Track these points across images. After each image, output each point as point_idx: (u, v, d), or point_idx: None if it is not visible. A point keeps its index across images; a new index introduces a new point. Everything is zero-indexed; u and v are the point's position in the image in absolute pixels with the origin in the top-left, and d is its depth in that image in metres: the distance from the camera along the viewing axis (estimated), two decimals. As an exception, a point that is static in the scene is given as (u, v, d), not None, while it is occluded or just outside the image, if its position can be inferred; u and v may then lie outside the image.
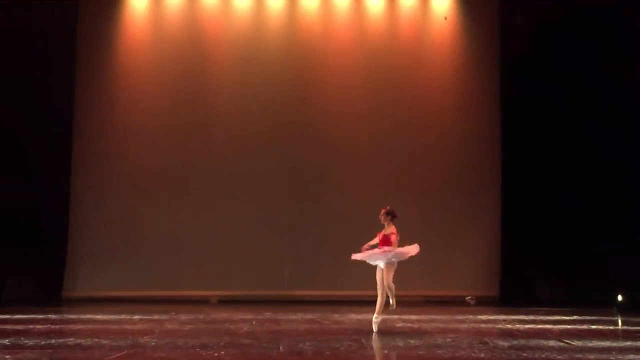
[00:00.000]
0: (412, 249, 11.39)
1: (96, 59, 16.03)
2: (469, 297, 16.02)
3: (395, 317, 12.94)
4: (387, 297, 11.48)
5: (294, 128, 16.27)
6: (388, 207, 11.59)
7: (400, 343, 10.46)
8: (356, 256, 11.55)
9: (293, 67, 16.37)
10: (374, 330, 11.43)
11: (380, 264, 11.44)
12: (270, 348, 10.03)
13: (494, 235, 16.21)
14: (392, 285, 11.43)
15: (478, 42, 16.57)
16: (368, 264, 11.63)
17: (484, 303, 15.66)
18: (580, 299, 14.92)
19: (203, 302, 15.48)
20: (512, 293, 15.79)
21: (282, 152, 16.21)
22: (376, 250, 11.41)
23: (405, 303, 14.85)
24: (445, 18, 16.54)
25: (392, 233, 11.40)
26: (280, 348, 10.04)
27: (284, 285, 15.97)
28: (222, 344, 10.28)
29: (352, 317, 13.32)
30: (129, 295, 15.56)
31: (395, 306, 11.49)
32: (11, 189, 14.83)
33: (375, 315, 11.51)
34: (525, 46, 16.12)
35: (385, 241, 11.37)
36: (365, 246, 11.52)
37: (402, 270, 15.63)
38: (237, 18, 16.46)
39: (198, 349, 9.88)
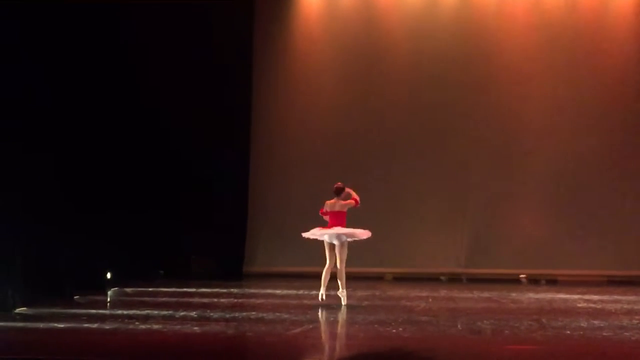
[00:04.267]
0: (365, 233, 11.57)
1: (272, 56, 16.33)
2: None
3: (576, 296, 12.56)
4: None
5: (470, 108, 15.98)
6: (340, 184, 11.75)
7: (583, 324, 10.11)
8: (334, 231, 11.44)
9: (467, 49, 16.03)
10: (344, 303, 11.34)
11: (336, 241, 11.43)
12: (448, 326, 9.98)
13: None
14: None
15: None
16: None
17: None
18: None
19: (378, 278, 15.58)
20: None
21: (458, 132, 15.98)
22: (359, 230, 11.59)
23: (586, 283, 14.44)
24: None
25: (351, 199, 11.58)
26: (459, 326, 9.97)
27: (460, 263, 15.81)
28: (399, 320, 10.31)
29: (531, 296, 13.03)
30: (305, 271, 15.88)
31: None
32: (195, 170, 15.43)
33: (342, 289, 11.43)
34: None
35: (341, 215, 11.50)
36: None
37: (581, 249, 15.22)
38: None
39: (376, 325, 9.96)
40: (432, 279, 15.24)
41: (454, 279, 15.28)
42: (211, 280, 14.59)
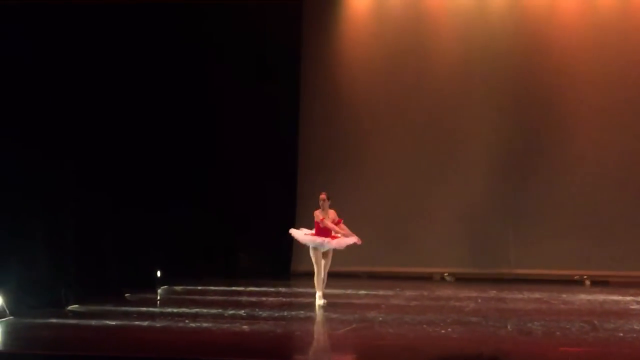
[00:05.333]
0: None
1: (320, 55, 16.34)
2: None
3: (629, 298, 12.37)
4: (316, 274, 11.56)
5: (521, 109, 15.82)
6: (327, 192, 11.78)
7: (637, 326, 9.94)
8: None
9: (518, 49, 15.85)
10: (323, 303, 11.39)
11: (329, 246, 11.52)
12: (498, 327, 9.90)
13: None
14: None
15: None
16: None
17: None
18: None
19: (426, 278, 15.51)
20: None
21: (508, 131, 15.83)
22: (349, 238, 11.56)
23: (638, 285, 14.20)
24: None
25: (339, 219, 11.70)
26: (509, 327, 9.89)
27: (509, 263, 15.67)
28: (448, 320, 10.26)
29: (582, 297, 12.87)
30: (352, 271, 15.88)
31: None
32: (244, 170, 15.51)
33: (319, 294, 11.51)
34: None
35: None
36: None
37: (633, 250, 15.00)
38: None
39: (425, 325, 9.93)
40: (480, 280, 15.12)
41: (502, 279, 15.15)
42: (259, 278, 14.65)
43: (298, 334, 9.64)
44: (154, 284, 13.36)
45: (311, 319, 10.44)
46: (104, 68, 12.96)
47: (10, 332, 9.33)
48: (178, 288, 13.54)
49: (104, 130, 12.69)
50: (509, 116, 15.88)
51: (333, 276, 15.32)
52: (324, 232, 11.64)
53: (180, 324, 9.91)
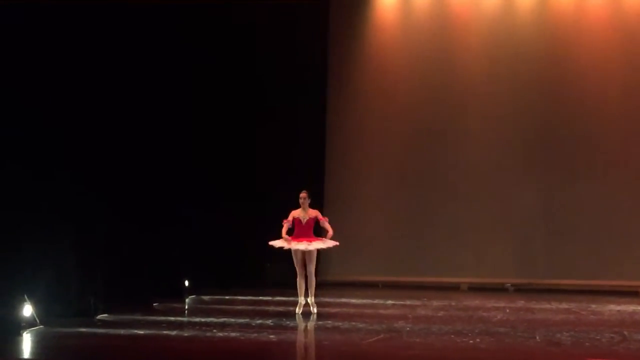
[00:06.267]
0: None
1: (347, 55, 16.36)
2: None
3: (660, 308, 12.24)
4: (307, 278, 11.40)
5: (549, 112, 15.78)
6: (307, 191, 11.56)
7: (668, 337, 9.84)
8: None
9: (545, 50, 15.82)
10: (315, 311, 11.38)
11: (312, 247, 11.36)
12: (527, 337, 9.83)
13: None
14: None
15: None
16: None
17: None
18: None
19: (453, 288, 15.45)
20: None
21: (535, 137, 15.78)
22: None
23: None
24: None
25: (322, 217, 11.53)
26: (537, 337, 9.82)
27: (538, 274, 15.57)
28: (476, 331, 10.21)
29: (612, 307, 12.75)
30: (378, 280, 15.87)
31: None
32: (271, 177, 15.53)
33: (311, 297, 11.42)
34: None
35: (310, 224, 11.42)
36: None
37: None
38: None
39: (452, 336, 9.88)
40: (508, 289, 15.03)
41: (529, 289, 15.06)
42: (286, 288, 14.65)
43: (326, 343, 9.63)
44: (182, 293, 13.43)
45: (338, 329, 10.42)
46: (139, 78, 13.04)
47: (40, 341, 9.40)
48: (205, 297, 13.59)
49: (130, 141, 12.78)
50: (537, 122, 15.83)
51: (366, 286, 15.38)
52: (302, 233, 11.50)
53: (208, 334, 9.94)
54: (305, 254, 11.54)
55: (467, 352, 8.97)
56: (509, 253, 15.68)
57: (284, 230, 11.62)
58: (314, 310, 11.63)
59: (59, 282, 10.71)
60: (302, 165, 15.69)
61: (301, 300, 11.67)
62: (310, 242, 11.51)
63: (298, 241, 11.50)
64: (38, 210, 10.42)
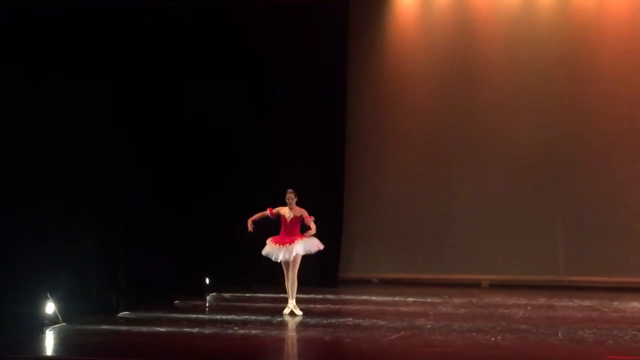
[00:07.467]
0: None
1: (367, 55, 16.33)
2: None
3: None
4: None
5: (566, 111, 15.72)
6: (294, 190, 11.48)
7: (693, 334, 9.76)
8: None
9: (566, 50, 15.74)
10: (299, 313, 11.24)
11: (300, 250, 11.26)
12: (549, 334, 9.79)
13: None
14: None
15: None
16: None
17: None
18: None
19: (474, 285, 15.41)
20: None
21: (555, 135, 15.71)
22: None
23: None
24: None
25: (307, 215, 11.38)
26: (559, 335, 9.78)
27: (559, 271, 15.51)
28: (498, 328, 10.19)
29: (634, 305, 12.67)
30: (400, 278, 15.84)
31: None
32: (292, 175, 15.52)
33: (293, 301, 11.32)
34: None
35: (296, 223, 11.30)
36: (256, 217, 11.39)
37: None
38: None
39: (474, 333, 9.85)
40: (530, 286, 14.97)
41: (552, 287, 15.00)
42: (307, 286, 14.66)
43: (347, 341, 9.63)
44: (203, 291, 13.48)
45: (359, 327, 10.42)
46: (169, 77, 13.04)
47: (62, 339, 9.47)
48: (226, 295, 13.63)
49: (154, 138, 12.79)
50: (559, 121, 15.75)
51: (387, 283, 15.36)
52: (286, 232, 11.45)
53: (229, 331, 9.97)
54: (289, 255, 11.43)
55: (489, 349, 8.95)
56: (530, 250, 15.60)
57: (256, 215, 11.57)
58: (297, 312, 11.45)
59: (82, 280, 10.76)
60: (323, 165, 15.68)
61: (291, 300, 11.56)
62: (292, 243, 11.37)
63: (281, 244, 11.38)
64: (61, 207, 10.46)
